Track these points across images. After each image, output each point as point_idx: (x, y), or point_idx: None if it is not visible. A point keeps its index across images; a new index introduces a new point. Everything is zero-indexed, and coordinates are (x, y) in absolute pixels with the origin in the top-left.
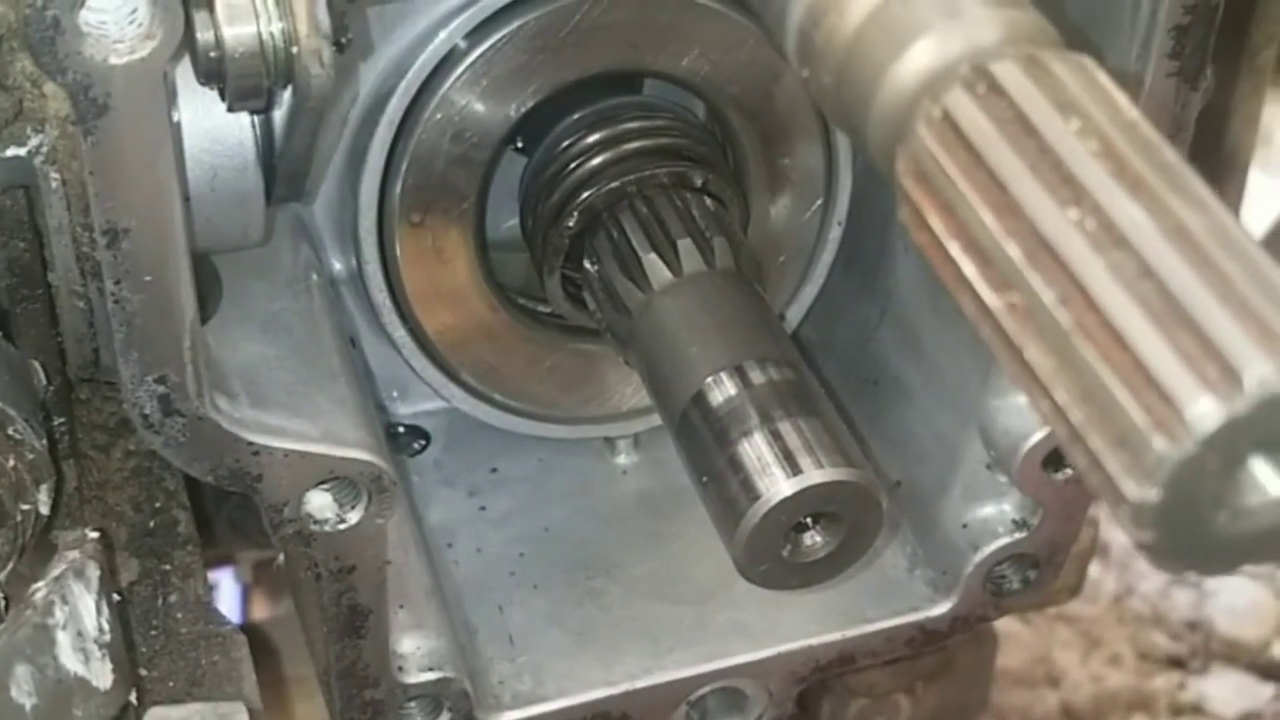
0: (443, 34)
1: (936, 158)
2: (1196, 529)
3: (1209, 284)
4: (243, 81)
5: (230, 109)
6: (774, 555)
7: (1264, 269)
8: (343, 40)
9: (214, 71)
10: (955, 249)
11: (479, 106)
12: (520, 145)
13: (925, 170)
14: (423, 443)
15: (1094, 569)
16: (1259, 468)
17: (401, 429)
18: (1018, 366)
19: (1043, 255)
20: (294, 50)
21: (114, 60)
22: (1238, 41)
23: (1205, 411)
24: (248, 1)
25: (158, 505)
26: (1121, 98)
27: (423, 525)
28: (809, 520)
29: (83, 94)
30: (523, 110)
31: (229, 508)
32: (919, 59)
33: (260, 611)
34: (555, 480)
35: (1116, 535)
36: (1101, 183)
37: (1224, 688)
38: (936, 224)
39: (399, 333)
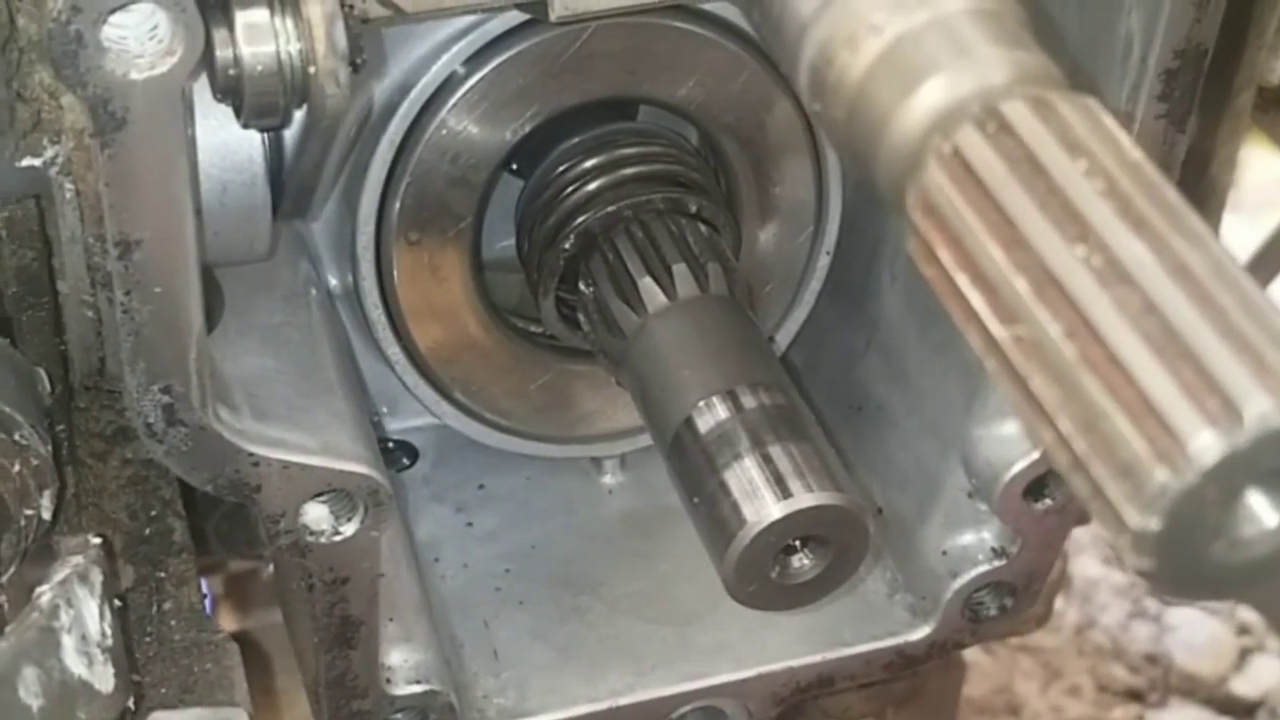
0: (443, 59)
1: (947, 193)
2: (1194, 558)
3: (1211, 320)
4: (259, 99)
5: (245, 126)
6: (763, 576)
7: (1262, 307)
8: (358, 61)
9: (231, 89)
10: (963, 281)
11: (476, 130)
12: (516, 168)
13: (935, 204)
14: (411, 459)
15: (1056, 601)
16: (1255, 500)
17: (391, 444)
18: (1022, 397)
19: (1050, 289)
20: (311, 70)
21: (134, 75)
22: (1220, 85)
23: (1207, 444)
24: (267, 21)
25: (153, 513)
26: (1125, 139)
27: (411, 540)
28: (797, 543)
29: (102, 107)
30: (519, 135)
31: (216, 518)
32: (931, 97)
33: (227, 623)
34: (542, 498)
35: (1080, 568)
36: (1107, 221)
37: None
38: (946, 257)
39: (392, 349)
